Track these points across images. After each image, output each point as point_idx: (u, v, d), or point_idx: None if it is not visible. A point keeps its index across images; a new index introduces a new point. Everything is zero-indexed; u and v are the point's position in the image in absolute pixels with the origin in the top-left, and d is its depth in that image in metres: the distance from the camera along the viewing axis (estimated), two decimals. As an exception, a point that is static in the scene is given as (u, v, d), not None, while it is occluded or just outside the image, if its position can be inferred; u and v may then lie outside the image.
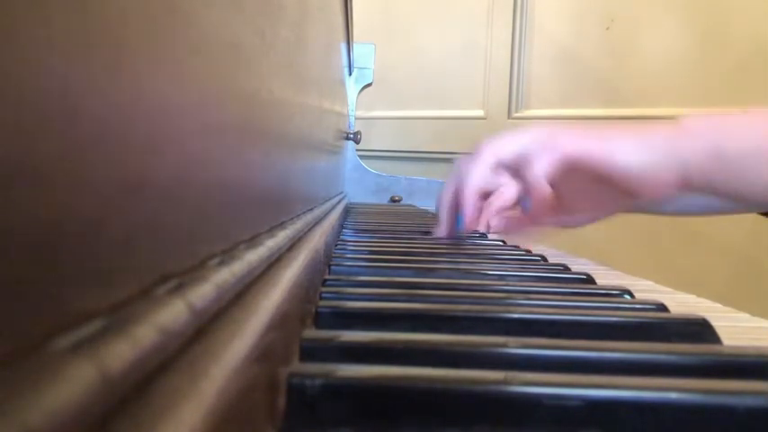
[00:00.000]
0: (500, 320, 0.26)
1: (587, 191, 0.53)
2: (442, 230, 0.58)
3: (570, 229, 0.59)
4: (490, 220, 0.56)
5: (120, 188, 0.11)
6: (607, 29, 1.46)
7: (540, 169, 0.49)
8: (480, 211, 0.54)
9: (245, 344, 0.14)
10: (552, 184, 0.52)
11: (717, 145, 0.49)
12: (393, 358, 0.21)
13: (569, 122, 1.33)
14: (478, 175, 0.53)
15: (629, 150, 0.49)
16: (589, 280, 0.37)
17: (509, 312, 0.26)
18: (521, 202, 0.53)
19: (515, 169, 0.52)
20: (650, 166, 0.49)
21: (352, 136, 1.21)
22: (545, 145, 0.49)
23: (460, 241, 0.57)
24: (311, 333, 0.22)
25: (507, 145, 0.53)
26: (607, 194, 0.53)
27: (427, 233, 0.61)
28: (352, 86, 1.27)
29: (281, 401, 0.17)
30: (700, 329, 0.25)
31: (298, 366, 0.18)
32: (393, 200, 1.26)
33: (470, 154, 0.55)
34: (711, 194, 0.52)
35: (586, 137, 0.50)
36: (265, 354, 0.15)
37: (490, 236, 0.63)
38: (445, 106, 1.73)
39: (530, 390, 0.17)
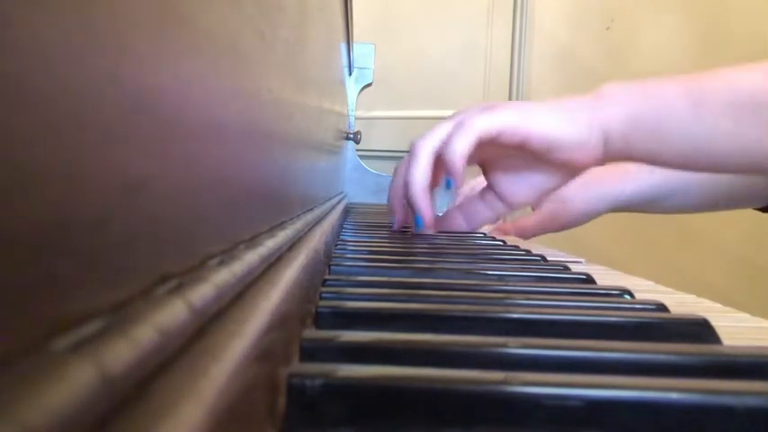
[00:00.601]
0: (500, 320, 0.26)
1: (517, 169, 0.54)
2: (397, 222, 0.60)
3: (527, 233, 0.60)
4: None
5: (120, 188, 0.11)
6: (607, 29, 1.46)
7: (456, 147, 0.49)
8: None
9: (244, 344, 0.14)
10: (481, 166, 0.55)
11: (634, 110, 0.50)
12: (393, 358, 0.21)
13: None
14: (421, 175, 0.53)
15: (547, 120, 0.50)
16: (589, 280, 0.37)
17: (509, 312, 0.26)
18: (445, 184, 0.53)
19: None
20: (570, 134, 0.50)
21: (352, 136, 1.21)
22: (461, 124, 0.50)
23: (459, 239, 0.57)
24: (311, 333, 0.22)
25: (435, 135, 0.53)
26: (536, 170, 0.54)
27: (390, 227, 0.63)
28: (352, 86, 1.27)
29: (281, 401, 0.17)
30: (700, 329, 0.25)
31: (298, 366, 0.18)
32: (393, 200, 1.26)
33: (408, 153, 0.56)
34: (633, 160, 0.53)
35: (504, 110, 0.51)
36: (265, 354, 0.15)
37: (485, 234, 0.64)
38: (445, 106, 1.72)
39: (530, 390, 0.17)
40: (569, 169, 0.54)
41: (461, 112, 0.55)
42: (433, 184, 0.56)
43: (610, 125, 0.50)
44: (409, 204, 0.56)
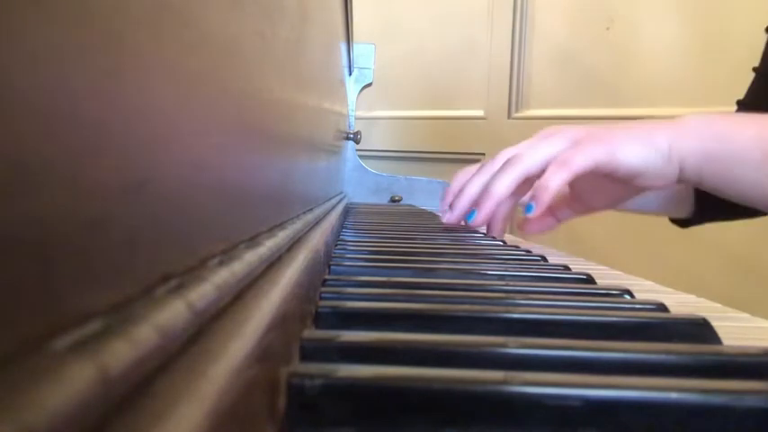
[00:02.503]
0: (500, 320, 0.26)
1: (599, 186, 0.59)
2: (455, 218, 0.62)
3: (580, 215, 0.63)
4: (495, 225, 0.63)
5: (120, 188, 0.11)
6: (607, 29, 1.46)
7: (551, 185, 0.53)
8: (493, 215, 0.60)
9: (244, 344, 0.14)
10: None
11: (710, 147, 0.54)
12: (393, 358, 0.21)
13: (571, 122, 1.33)
14: (506, 189, 0.57)
15: (634, 152, 0.54)
16: (589, 280, 0.37)
17: (509, 312, 0.26)
18: (525, 206, 0.57)
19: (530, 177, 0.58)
20: (653, 165, 0.54)
21: (352, 136, 1.21)
22: (561, 163, 0.53)
23: (460, 239, 0.57)
24: (311, 333, 0.22)
25: (531, 158, 0.57)
26: (616, 188, 0.59)
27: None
28: (352, 86, 1.27)
29: (281, 401, 0.17)
30: (700, 329, 0.25)
31: (298, 366, 0.18)
32: (393, 200, 1.26)
33: (496, 159, 0.60)
34: (704, 189, 0.57)
35: (595, 146, 0.54)
36: (265, 354, 0.15)
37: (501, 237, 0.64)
38: (445, 106, 1.73)
39: (530, 390, 0.17)
40: (644, 189, 0.59)
41: (552, 134, 0.58)
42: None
43: (686, 157, 0.54)
44: (479, 206, 0.59)
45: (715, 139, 0.54)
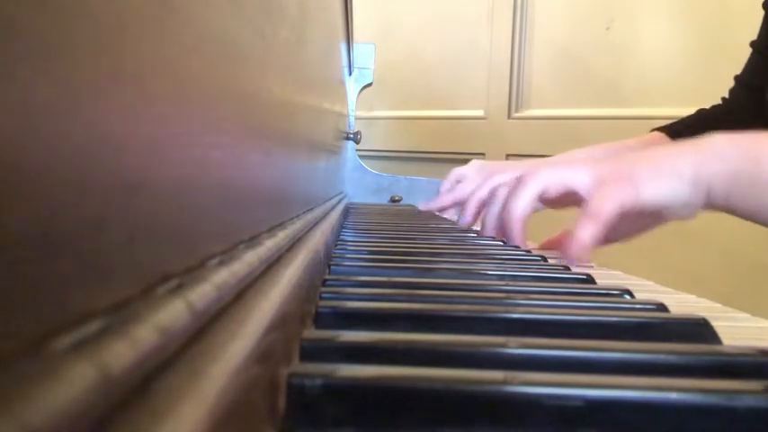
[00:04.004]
0: (500, 320, 0.26)
1: (625, 220, 0.57)
2: (467, 220, 0.64)
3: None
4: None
5: (120, 188, 0.11)
6: (607, 29, 1.46)
7: (587, 241, 0.51)
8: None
9: (245, 344, 0.14)
10: None
11: (737, 170, 0.52)
12: (393, 358, 0.21)
13: (571, 122, 1.33)
14: (524, 206, 0.56)
15: (658, 189, 0.53)
16: (589, 280, 0.37)
17: (509, 312, 0.26)
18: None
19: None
20: (681, 197, 0.53)
21: (352, 136, 1.21)
22: (590, 214, 0.52)
23: (459, 239, 0.57)
24: (311, 333, 0.22)
25: (553, 179, 0.56)
26: (643, 221, 0.58)
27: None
28: (352, 86, 1.27)
29: (281, 401, 0.17)
30: (700, 329, 0.25)
31: (298, 366, 0.18)
32: (393, 200, 1.26)
33: (500, 177, 0.62)
34: (733, 215, 0.55)
35: (620, 185, 0.53)
36: (265, 354, 0.15)
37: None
38: (445, 106, 1.72)
39: (530, 390, 0.17)
40: (672, 219, 0.58)
41: (575, 163, 0.57)
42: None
43: (712, 183, 0.52)
44: (502, 227, 0.58)
45: (742, 161, 0.52)
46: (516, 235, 0.56)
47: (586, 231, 0.51)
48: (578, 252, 0.50)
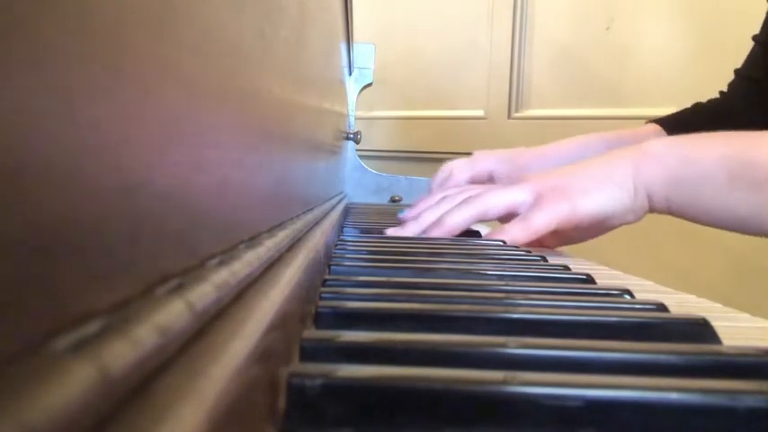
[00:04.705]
0: (500, 320, 0.26)
1: (573, 228, 0.59)
2: (406, 233, 0.63)
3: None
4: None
5: (120, 188, 0.11)
6: (607, 29, 1.46)
7: (514, 239, 0.54)
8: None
9: (245, 344, 0.14)
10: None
11: (675, 174, 0.53)
12: (393, 358, 0.21)
13: (571, 122, 1.33)
14: (462, 222, 0.58)
15: (596, 201, 0.54)
16: (589, 280, 0.37)
17: (509, 312, 0.26)
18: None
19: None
20: (619, 206, 0.54)
21: (352, 136, 1.21)
22: (521, 219, 0.54)
23: (459, 239, 0.57)
24: (311, 333, 0.22)
25: (494, 201, 0.58)
26: (590, 229, 0.59)
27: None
28: (352, 86, 1.27)
29: (281, 401, 0.17)
30: (700, 329, 0.25)
31: (298, 366, 0.18)
32: (393, 200, 1.26)
33: (453, 197, 0.62)
34: (676, 216, 0.56)
35: (556, 200, 0.54)
36: (265, 354, 0.15)
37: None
38: (445, 106, 1.72)
39: (530, 390, 0.17)
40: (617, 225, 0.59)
41: (514, 183, 0.59)
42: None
43: (652, 186, 0.53)
44: (430, 231, 0.59)
45: (679, 163, 0.53)
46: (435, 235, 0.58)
47: (514, 232, 0.53)
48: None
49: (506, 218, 0.59)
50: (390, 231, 0.61)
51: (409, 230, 0.61)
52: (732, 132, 0.53)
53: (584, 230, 0.59)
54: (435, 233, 0.58)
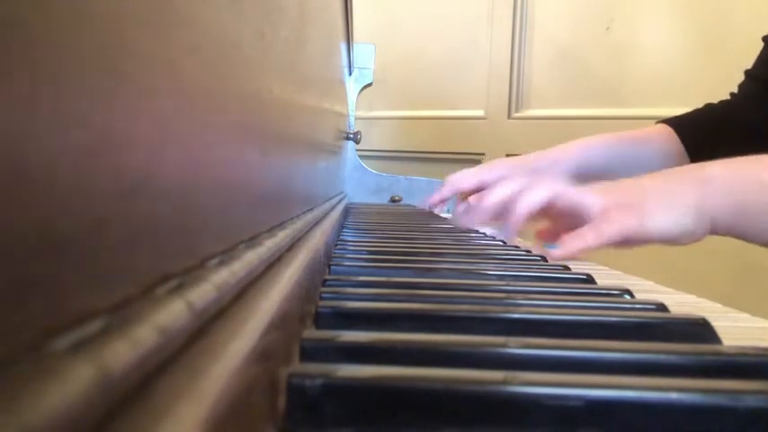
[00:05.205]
0: (500, 320, 0.26)
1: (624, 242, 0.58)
2: (474, 221, 0.63)
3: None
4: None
5: (121, 188, 0.11)
6: (607, 29, 1.46)
7: (580, 246, 0.52)
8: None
9: (245, 344, 0.14)
10: None
11: (741, 200, 0.54)
12: (393, 358, 0.21)
13: (571, 122, 1.32)
14: (533, 202, 0.57)
15: (664, 223, 0.54)
16: (589, 280, 0.37)
17: (509, 312, 0.26)
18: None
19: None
20: (684, 230, 0.54)
21: (352, 136, 1.21)
22: (594, 227, 0.53)
23: (460, 239, 0.57)
24: (311, 333, 0.22)
25: (567, 194, 0.57)
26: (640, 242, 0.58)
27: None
28: (352, 86, 1.27)
29: (281, 401, 0.17)
30: (700, 329, 0.25)
31: (298, 366, 0.18)
32: (393, 200, 1.26)
33: (521, 180, 0.60)
34: (735, 238, 0.57)
35: (626, 215, 0.54)
36: (265, 354, 0.15)
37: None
38: (445, 106, 1.72)
39: (530, 390, 0.17)
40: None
41: (586, 197, 0.58)
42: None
43: (716, 215, 0.54)
44: (510, 220, 0.58)
45: (744, 192, 0.54)
46: (515, 225, 0.57)
47: (588, 237, 0.52)
48: (573, 247, 0.51)
49: (558, 216, 0.58)
50: (463, 221, 0.62)
51: (478, 217, 0.60)
52: None
53: (634, 244, 0.59)
54: (517, 219, 0.57)
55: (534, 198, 0.57)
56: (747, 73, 0.88)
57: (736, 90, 0.89)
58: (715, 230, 0.55)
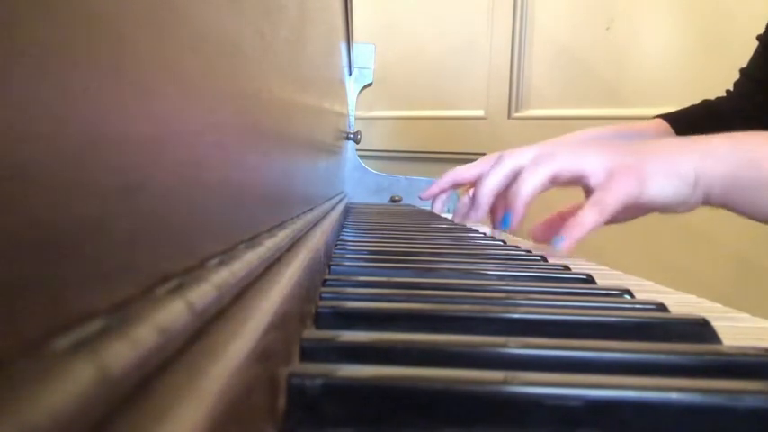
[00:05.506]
0: (500, 320, 0.26)
1: (625, 210, 0.58)
2: (479, 215, 0.62)
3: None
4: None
5: (120, 188, 0.11)
6: (607, 29, 1.46)
7: (587, 227, 0.53)
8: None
9: (245, 344, 0.14)
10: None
11: (737, 172, 0.54)
12: (393, 358, 0.21)
13: (571, 122, 1.32)
14: (534, 188, 0.56)
15: (663, 187, 0.54)
16: (589, 280, 0.37)
17: (509, 312, 0.26)
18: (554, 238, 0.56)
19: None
20: (681, 196, 0.55)
21: (352, 136, 1.21)
22: (594, 201, 0.53)
23: (460, 239, 0.57)
24: (311, 333, 0.22)
25: (567, 165, 0.57)
26: (638, 209, 0.58)
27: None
28: (352, 86, 1.27)
29: (281, 401, 0.17)
30: (700, 329, 0.25)
31: (298, 366, 0.18)
32: (393, 200, 1.26)
33: (513, 159, 0.60)
34: (728, 210, 0.57)
35: (627, 178, 0.54)
36: (265, 354, 0.15)
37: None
38: (445, 106, 1.72)
39: (530, 390, 0.17)
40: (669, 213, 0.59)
41: (587, 144, 0.58)
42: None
43: (713, 184, 0.54)
44: (512, 209, 0.58)
45: (743, 164, 0.54)
46: (518, 215, 0.56)
47: (589, 218, 0.52)
48: (576, 233, 0.51)
49: (567, 184, 0.57)
50: (457, 218, 0.63)
51: (481, 210, 0.60)
52: None
53: (633, 213, 0.59)
54: (519, 208, 0.56)
55: (535, 180, 0.56)
56: (742, 71, 0.88)
57: (732, 88, 0.89)
58: (708, 201, 0.55)
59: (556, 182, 0.57)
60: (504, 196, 0.60)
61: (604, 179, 0.54)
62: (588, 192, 0.56)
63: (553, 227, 0.59)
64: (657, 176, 0.54)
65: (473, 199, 0.63)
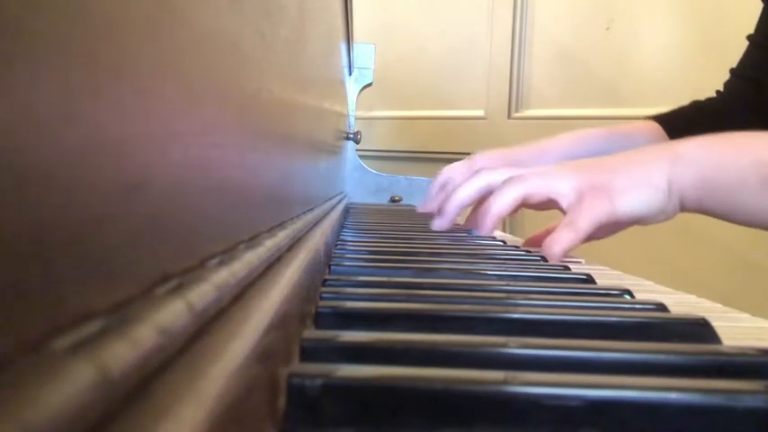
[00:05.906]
0: (500, 320, 0.26)
1: (603, 227, 0.58)
2: (444, 225, 0.63)
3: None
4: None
5: (120, 188, 0.11)
6: (607, 29, 1.46)
7: (559, 251, 0.53)
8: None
9: (245, 344, 0.14)
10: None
11: (709, 177, 0.54)
12: (393, 358, 0.21)
13: (571, 122, 1.33)
14: (504, 207, 0.58)
15: (635, 201, 0.54)
16: (589, 280, 0.37)
17: (509, 312, 0.26)
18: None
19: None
20: (655, 207, 0.55)
21: (352, 136, 1.21)
22: (567, 223, 0.54)
23: (459, 239, 0.57)
24: (311, 333, 0.22)
25: (537, 188, 0.57)
26: (617, 225, 0.59)
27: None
28: (352, 86, 1.27)
29: (281, 401, 0.17)
30: (700, 329, 0.25)
31: (298, 366, 0.18)
32: (393, 200, 1.26)
33: (489, 175, 0.62)
34: (706, 215, 0.57)
35: (597, 199, 0.54)
36: (265, 354, 0.15)
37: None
38: (445, 106, 1.72)
39: (530, 390, 0.17)
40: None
41: (560, 169, 0.58)
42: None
43: (685, 189, 0.54)
44: (480, 223, 0.59)
45: (713, 168, 0.54)
46: (487, 230, 0.58)
47: (564, 238, 0.53)
48: (553, 254, 0.52)
49: (540, 206, 0.58)
50: (436, 225, 0.63)
51: (450, 214, 0.61)
52: (763, 134, 0.54)
53: (612, 228, 0.60)
54: (488, 224, 0.58)
55: (505, 200, 0.57)
56: (732, 71, 0.88)
57: (722, 87, 0.90)
58: (684, 207, 0.55)
59: (527, 204, 0.58)
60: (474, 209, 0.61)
61: (575, 201, 0.55)
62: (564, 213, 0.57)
63: (539, 243, 0.60)
64: (628, 191, 0.54)
65: (441, 208, 0.64)
